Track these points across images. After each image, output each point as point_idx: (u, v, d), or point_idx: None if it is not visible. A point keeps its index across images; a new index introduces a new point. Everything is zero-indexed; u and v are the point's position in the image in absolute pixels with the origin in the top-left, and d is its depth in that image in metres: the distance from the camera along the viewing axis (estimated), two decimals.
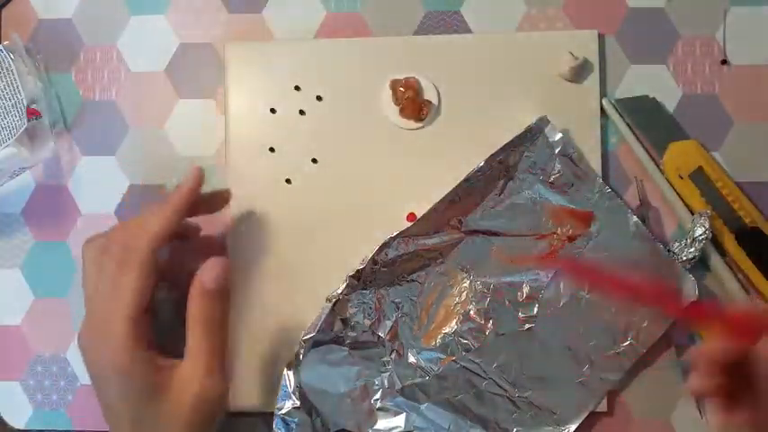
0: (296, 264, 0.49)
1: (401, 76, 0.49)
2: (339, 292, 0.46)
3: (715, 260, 0.47)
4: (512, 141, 0.47)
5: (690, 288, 0.45)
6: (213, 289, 0.40)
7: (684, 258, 0.46)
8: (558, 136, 0.47)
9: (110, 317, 0.39)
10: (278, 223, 0.49)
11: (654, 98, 0.49)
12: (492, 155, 0.47)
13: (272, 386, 0.48)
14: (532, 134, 0.47)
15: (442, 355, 0.47)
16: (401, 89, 0.48)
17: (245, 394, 0.48)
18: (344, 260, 0.48)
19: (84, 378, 0.51)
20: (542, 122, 0.48)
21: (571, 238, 0.47)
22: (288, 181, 0.49)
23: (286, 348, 0.48)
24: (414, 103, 0.48)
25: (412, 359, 0.47)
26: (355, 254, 0.48)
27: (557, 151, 0.47)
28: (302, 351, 0.46)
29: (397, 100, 0.48)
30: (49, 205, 0.52)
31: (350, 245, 0.48)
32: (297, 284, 0.49)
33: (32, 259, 0.52)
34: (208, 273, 0.41)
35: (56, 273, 0.51)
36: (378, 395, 0.47)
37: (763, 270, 0.46)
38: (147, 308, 0.40)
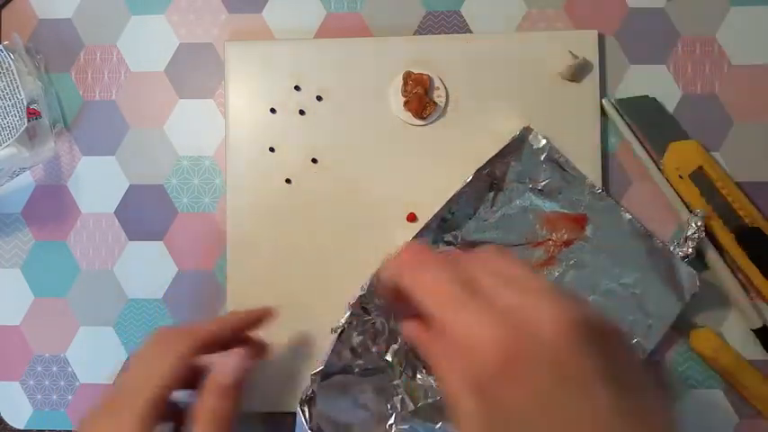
0: (296, 263, 0.49)
1: (417, 71, 0.49)
2: (343, 321, 0.46)
3: (712, 257, 0.47)
4: (498, 154, 0.47)
5: (690, 281, 0.46)
6: (228, 385, 0.37)
7: (680, 256, 0.46)
8: (543, 142, 0.47)
9: None
10: (278, 223, 0.49)
11: (654, 98, 0.49)
12: (479, 168, 0.47)
13: (271, 386, 0.48)
14: (517, 144, 0.47)
15: None
16: (411, 83, 0.48)
17: (246, 394, 0.48)
18: (344, 260, 0.48)
19: (84, 378, 0.51)
20: (526, 131, 0.48)
21: (567, 243, 0.47)
22: (288, 181, 0.49)
23: (286, 346, 0.48)
24: (420, 100, 0.48)
25: (422, 380, 0.47)
26: (355, 253, 0.48)
27: (543, 158, 0.47)
28: (313, 385, 0.46)
29: (405, 92, 0.48)
30: (49, 205, 0.52)
31: (350, 245, 0.48)
32: (297, 283, 0.49)
33: (32, 259, 0.52)
34: (223, 366, 0.38)
35: (56, 273, 0.51)
36: (392, 419, 0.46)
37: (763, 270, 0.46)
38: None
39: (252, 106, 0.50)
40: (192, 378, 0.38)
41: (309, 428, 0.45)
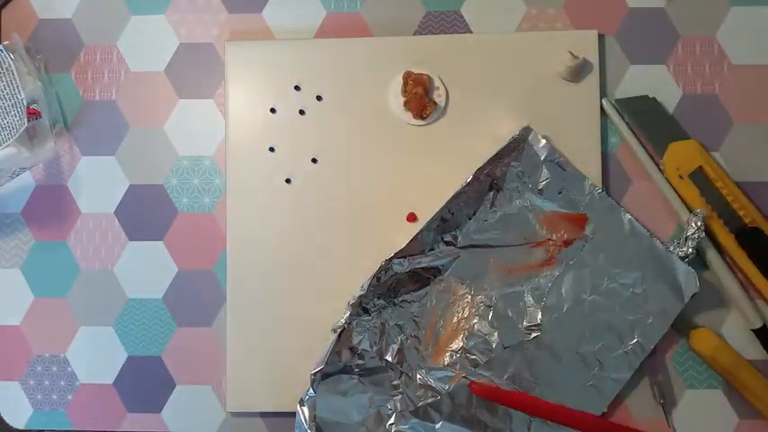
0: (296, 263, 0.49)
1: (417, 71, 0.49)
2: (343, 321, 0.46)
3: (712, 257, 0.47)
4: (497, 154, 0.47)
5: (690, 281, 0.46)
6: None
7: (680, 256, 0.46)
8: (543, 143, 0.47)
9: None
10: (278, 223, 0.49)
11: (654, 98, 0.49)
12: (478, 168, 0.47)
13: (271, 386, 0.48)
14: (517, 144, 0.48)
15: (452, 373, 0.47)
16: (411, 83, 0.48)
17: (246, 394, 0.48)
18: (344, 259, 0.48)
19: (84, 378, 0.51)
20: (526, 132, 0.48)
21: (567, 243, 0.47)
22: (288, 181, 0.49)
23: (287, 346, 0.48)
24: (420, 100, 0.48)
25: (422, 380, 0.47)
26: (355, 253, 0.48)
27: (542, 158, 0.47)
28: (313, 385, 0.46)
29: (405, 92, 0.49)
30: (49, 205, 0.52)
31: (350, 245, 0.48)
32: (297, 283, 0.49)
33: (32, 259, 0.52)
34: None
35: (56, 273, 0.51)
36: (392, 419, 0.46)
37: (763, 269, 0.46)
38: None
39: (252, 106, 0.50)
40: None
41: (309, 428, 0.45)
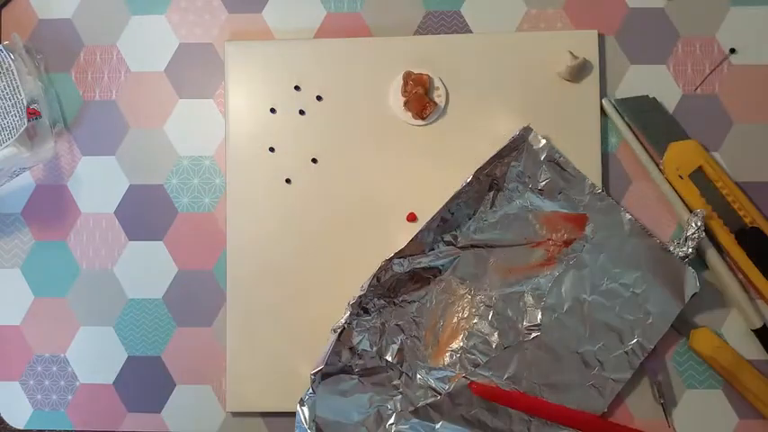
0: (296, 263, 0.49)
1: (417, 71, 0.49)
2: (343, 321, 0.46)
3: (712, 257, 0.47)
4: (497, 154, 0.47)
5: (690, 280, 0.46)
6: None
7: (680, 256, 0.46)
8: (543, 143, 0.47)
9: None
10: (278, 223, 0.49)
11: (654, 98, 0.49)
12: (478, 168, 0.47)
13: (271, 386, 0.48)
14: (517, 144, 0.48)
15: (452, 373, 0.47)
16: (411, 83, 0.48)
17: (246, 394, 0.48)
18: (344, 259, 0.48)
19: (84, 378, 0.51)
20: (526, 132, 0.48)
21: (567, 243, 0.47)
22: (288, 181, 0.49)
23: (287, 346, 0.48)
24: (420, 100, 0.48)
25: (422, 380, 0.47)
26: (355, 253, 0.48)
27: (542, 158, 0.48)
28: (313, 385, 0.46)
29: (405, 92, 0.49)
30: (49, 205, 0.52)
31: (350, 245, 0.48)
32: (297, 283, 0.49)
33: (32, 259, 0.52)
34: None
35: (56, 273, 0.51)
36: (392, 419, 0.46)
37: (763, 269, 0.46)
38: None
39: (252, 106, 0.50)
40: None
41: (309, 428, 0.45)
